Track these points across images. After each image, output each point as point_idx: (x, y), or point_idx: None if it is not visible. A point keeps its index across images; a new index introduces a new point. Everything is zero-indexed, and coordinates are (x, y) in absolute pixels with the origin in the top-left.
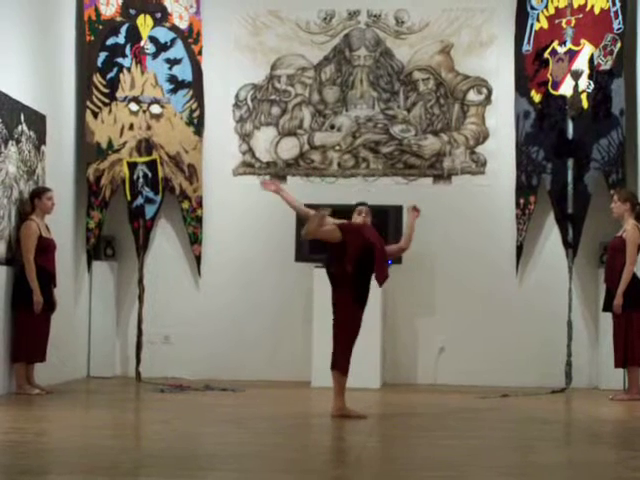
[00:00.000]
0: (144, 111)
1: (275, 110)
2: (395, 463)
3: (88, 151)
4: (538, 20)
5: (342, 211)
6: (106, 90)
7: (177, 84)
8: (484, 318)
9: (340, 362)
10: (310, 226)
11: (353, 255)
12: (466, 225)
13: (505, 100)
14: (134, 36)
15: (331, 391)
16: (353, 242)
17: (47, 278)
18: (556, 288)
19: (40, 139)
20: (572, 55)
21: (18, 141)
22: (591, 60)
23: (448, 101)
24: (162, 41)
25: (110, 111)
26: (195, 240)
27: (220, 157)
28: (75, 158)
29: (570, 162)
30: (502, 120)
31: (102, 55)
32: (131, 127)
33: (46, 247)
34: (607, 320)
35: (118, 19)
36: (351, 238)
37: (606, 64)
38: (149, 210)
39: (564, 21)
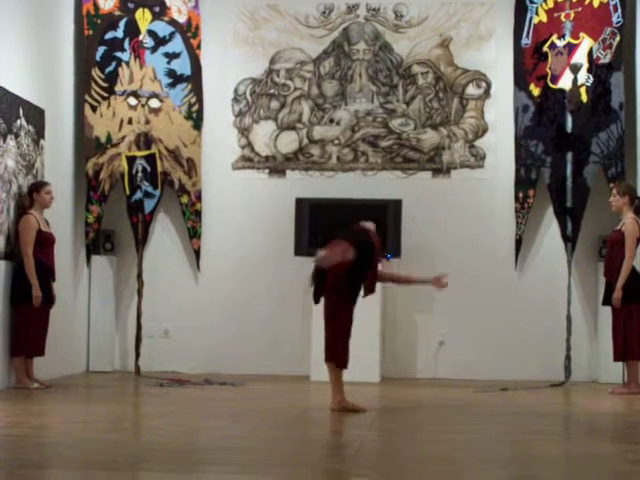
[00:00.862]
0: (143, 105)
1: (274, 104)
2: (394, 457)
3: (87, 145)
4: (537, 14)
5: (341, 204)
6: (105, 84)
7: (176, 78)
8: (483, 312)
9: (332, 354)
10: (333, 258)
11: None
12: (465, 219)
13: (504, 94)
14: (133, 30)
15: (330, 385)
16: (336, 269)
17: (46, 272)
18: (555, 282)
19: (39, 133)
20: (571, 49)
21: (17, 135)
22: (590, 54)
23: (447, 95)
24: (161, 35)
25: (109, 105)
26: (194, 234)
27: (219, 151)
28: (74, 152)
29: (569, 156)
30: (501, 114)
31: (101, 49)
32: (130, 121)
33: (45, 241)
34: (606, 314)
35: (117, 13)
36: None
37: (605, 58)
38: (148, 204)
39: (563, 15)
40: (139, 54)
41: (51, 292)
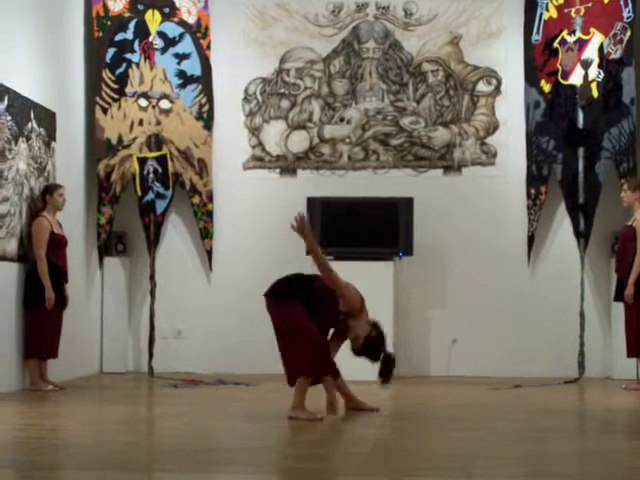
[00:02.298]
0: (153, 106)
1: (284, 103)
2: (408, 455)
3: (98, 147)
4: (547, 10)
5: (353, 203)
6: (115, 86)
7: (186, 79)
8: (496, 309)
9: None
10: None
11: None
12: (477, 216)
13: (515, 90)
14: (142, 31)
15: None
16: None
17: (59, 274)
18: (568, 278)
19: (50, 136)
20: (582, 44)
21: (28, 138)
22: (601, 49)
23: (458, 92)
24: (170, 36)
25: (119, 107)
26: (206, 235)
27: (230, 151)
28: (85, 154)
29: (581, 151)
30: (512, 110)
31: (111, 51)
32: (140, 122)
33: (58, 243)
34: (619, 310)
35: (126, 15)
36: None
37: (616, 53)
38: (160, 205)
39: (573, 10)
40: (149, 55)
41: (64, 294)
